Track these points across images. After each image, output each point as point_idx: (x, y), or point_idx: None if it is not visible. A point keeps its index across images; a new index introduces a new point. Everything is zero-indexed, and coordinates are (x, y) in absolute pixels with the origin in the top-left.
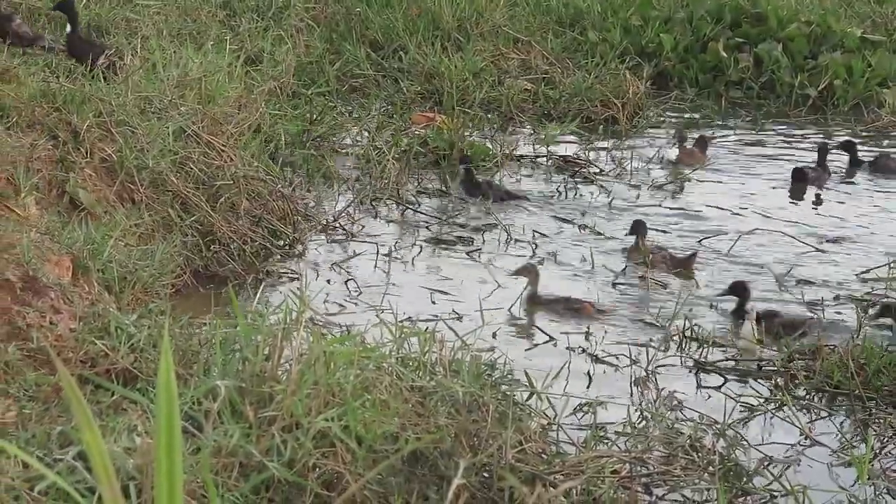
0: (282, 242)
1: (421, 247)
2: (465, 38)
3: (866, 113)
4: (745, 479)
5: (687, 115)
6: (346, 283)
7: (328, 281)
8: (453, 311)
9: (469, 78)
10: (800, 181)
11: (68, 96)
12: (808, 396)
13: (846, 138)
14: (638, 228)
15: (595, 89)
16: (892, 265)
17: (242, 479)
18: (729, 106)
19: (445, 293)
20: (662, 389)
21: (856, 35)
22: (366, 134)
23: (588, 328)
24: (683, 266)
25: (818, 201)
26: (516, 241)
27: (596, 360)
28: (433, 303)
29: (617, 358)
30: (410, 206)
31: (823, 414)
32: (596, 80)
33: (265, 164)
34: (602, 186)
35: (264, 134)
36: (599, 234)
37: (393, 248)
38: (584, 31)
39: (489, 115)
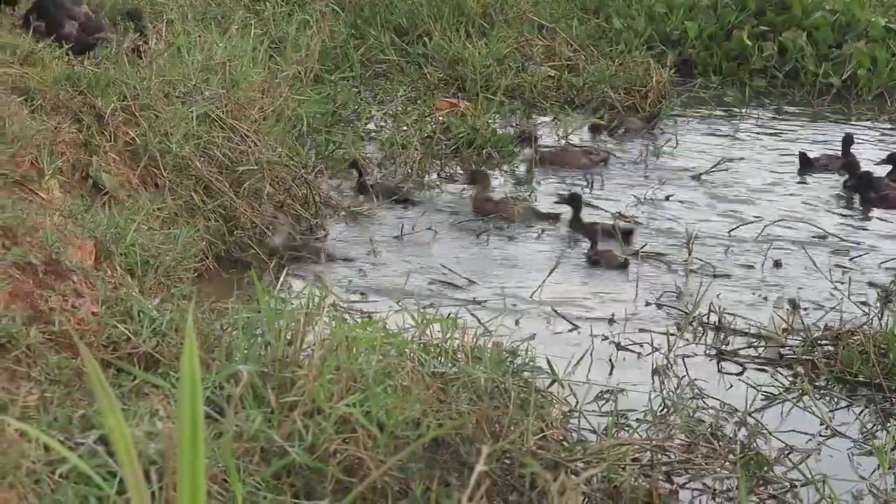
0: (304, 227)
1: (441, 232)
2: (489, 25)
3: (890, 102)
4: (765, 468)
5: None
6: (368, 268)
7: (349, 266)
8: (475, 297)
9: (493, 64)
10: (806, 166)
11: (93, 80)
12: (828, 385)
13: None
14: (573, 201)
15: (619, 77)
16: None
17: (264, 464)
18: (753, 94)
19: (467, 279)
20: (683, 377)
21: (880, 24)
22: (389, 120)
23: (612, 314)
24: (549, 219)
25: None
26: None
27: (618, 347)
28: (455, 288)
29: (640, 346)
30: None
31: (844, 403)
32: (620, 67)
33: (288, 149)
34: (621, 173)
35: (287, 119)
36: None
37: (414, 234)
38: (608, 19)
39: (513, 102)
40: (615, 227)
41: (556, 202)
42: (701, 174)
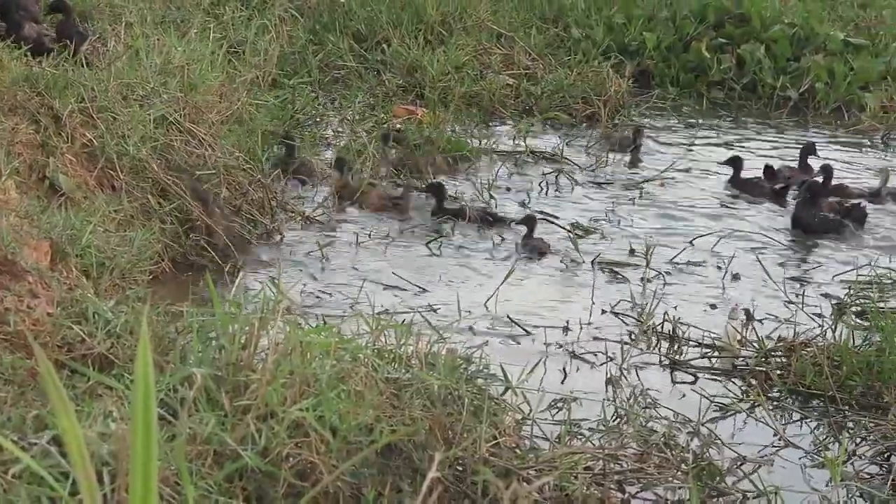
0: (260, 232)
1: (397, 239)
2: (448, 33)
3: (847, 116)
4: (718, 479)
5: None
6: (322, 273)
7: (304, 271)
8: (429, 304)
9: (451, 72)
10: (770, 178)
11: (51, 81)
12: (781, 397)
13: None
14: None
15: (577, 86)
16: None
17: (216, 468)
18: (710, 106)
19: (421, 286)
20: (637, 387)
21: (839, 38)
22: (347, 126)
23: (566, 322)
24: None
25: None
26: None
27: (572, 355)
28: (409, 294)
29: (594, 355)
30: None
31: (797, 415)
32: (578, 76)
33: (246, 154)
34: (576, 182)
35: (245, 123)
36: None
37: (369, 240)
38: (567, 28)
39: (471, 110)
40: (488, 213)
41: (422, 189)
42: (646, 181)
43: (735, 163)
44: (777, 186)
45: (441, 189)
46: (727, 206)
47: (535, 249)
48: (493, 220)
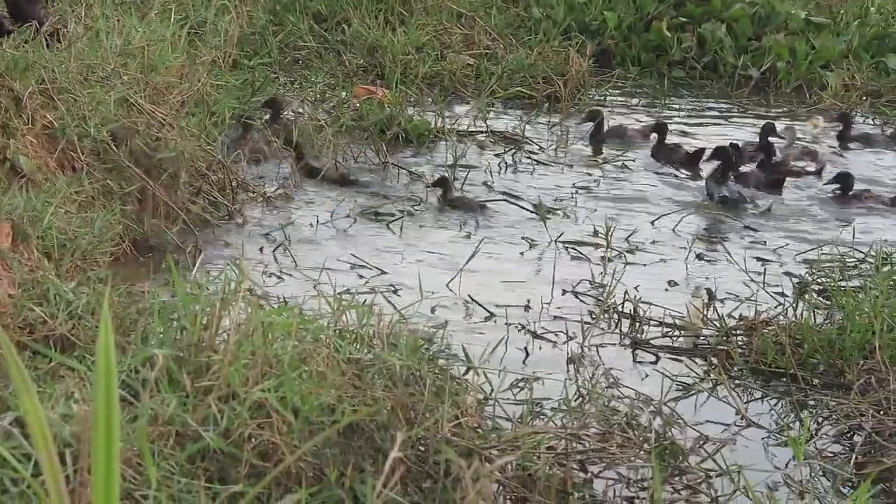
0: (221, 213)
1: (358, 219)
2: (408, 13)
3: (809, 95)
4: (680, 458)
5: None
6: (284, 254)
7: (266, 252)
8: (391, 284)
9: (412, 52)
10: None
11: (11, 63)
12: (743, 376)
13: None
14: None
15: (537, 66)
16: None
17: (178, 448)
18: (671, 85)
19: (382, 266)
20: (598, 366)
21: (800, 17)
22: (306, 106)
23: (528, 302)
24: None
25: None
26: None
27: (534, 335)
28: (371, 275)
29: (555, 334)
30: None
31: (759, 394)
32: (539, 56)
33: (206, 135)
34: (538, 162)
35: (205, 104)
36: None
37: (331, 220)
38: (527, 8)
39: (431, 90)
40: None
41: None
42: (606, 162)
43: (659, 130)
44: (691, 150)
45: (447, 182)
46: (689, 186)
47: (468, 206)
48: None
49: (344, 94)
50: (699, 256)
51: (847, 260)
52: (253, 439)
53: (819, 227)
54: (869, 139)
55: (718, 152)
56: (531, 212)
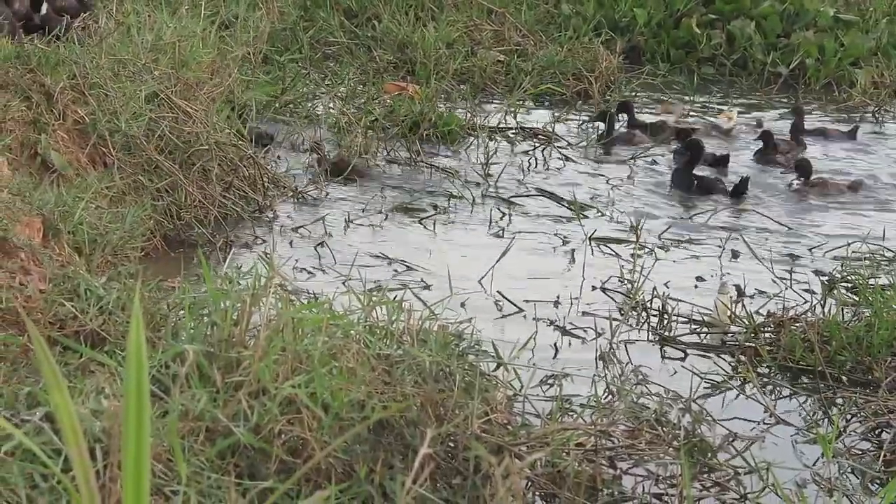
0: (252, 208)
1: (390, 215)
2: (438, 9)
3: (838, 92)
4: (709, 455)
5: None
6: (314, 248)
7: (296, 247)
8: (422, 279)
9: (442, 48)
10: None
11: (42, 58)
12: (771, 373)
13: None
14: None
15: (567, 63)
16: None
17: (208, 444)
18: (701, 82)
19: (413, 262)
20: (627, 363)
21: (829, 14)
22: (338, 102)
23: (557, 298)
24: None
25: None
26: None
27: (563, 331)
28: (402, 271)
29: (584, 331)
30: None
31: (787, 391)
32: (569, 53)
33: (237, 131)
34: (567, 158)
35: (237, 100)
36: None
37: (362, 215)
38: (557, 4)
39: (462, 86)
40: None
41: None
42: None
43: (626, 108)
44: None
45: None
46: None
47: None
48: None
49: (374, 90)
50: (730, 253)
51: (876, 256)
52: (283, 435)
53: (850, 223)
54: (825, 133)
55: (689, 144)
56: (565, 206)
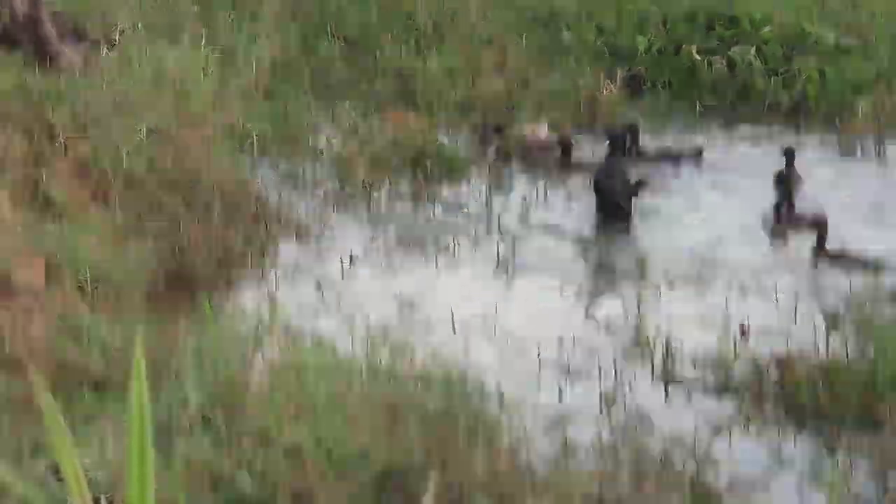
0: (255, 245)
1: (392, 251)
2: (439, 39)
3: (840, 119)
4: (714, 500)
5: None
6: (317, 287)
7: (299, 285)
8: (425, 318)
9: (444, 78)
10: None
11: (44, 93)
12: (775, 412)
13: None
14: None
15: (569, 91)
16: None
17: (213, 491)
18: (702, 110)
19: (417, 300)
20: (631, 403)
21: (830, 41)
22: (340, 134)
23: (561, 337)
24: None
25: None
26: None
27: (567, 371)
28: (405, 310)
29: (588, 370)
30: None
31: (792, 431)
32: (570, 81)
33: (239, 165)
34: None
35: (238, 133)
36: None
37: (364, 253)
38: (558, 33)
39: (465, 116)
40: None
41: None
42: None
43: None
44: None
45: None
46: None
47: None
48: None
49: (376, 121)
50: (735, 290)
51: (881, 294)
52: (287, 482)
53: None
54: (670, 155)
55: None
56: (571, 242)
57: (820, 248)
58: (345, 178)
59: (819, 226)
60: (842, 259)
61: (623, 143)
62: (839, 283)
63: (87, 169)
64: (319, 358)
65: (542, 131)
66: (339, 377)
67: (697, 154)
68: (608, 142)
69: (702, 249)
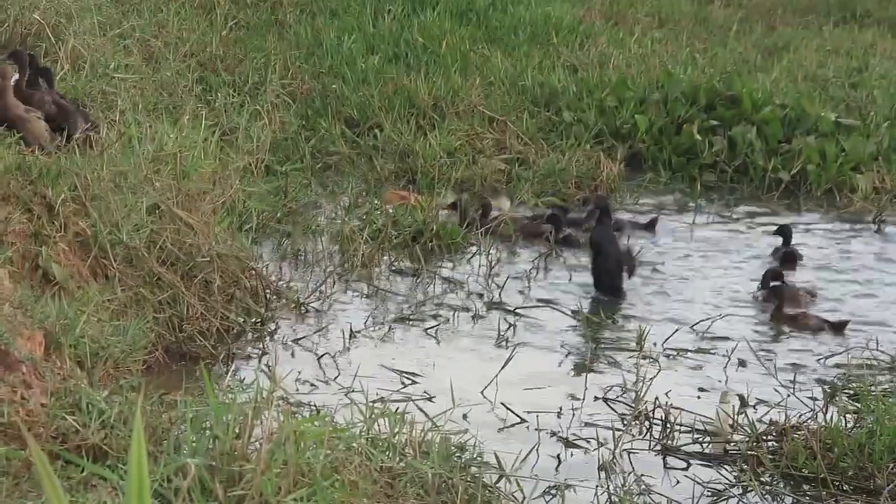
0: (254, 320)
1: (392, 326)
2: (440, 117)
3: (839, 198)
4: None
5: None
6: (316, 361)
7: (299, 359)
8: (424, 391)
9: (444, 157)
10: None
11: (44, 169)
12: (773, 481)
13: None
14: None
15: (569, 170)
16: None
17: None
18: (702, 189)
19: (416, 373)
20: (630, 473)
21: (830, 119)
22: (340, 212)
23: (560, 408)
24: None
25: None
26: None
27: (566, 442)
28: (404, 382)
29: (587, 441)
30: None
31: (790, 499)
32: (570, 160)
33: (239, 242)
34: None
35: (238, 211)
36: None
37: (364, 327)
38: (558, 112)
39: (463, 194)
40: None
41: None
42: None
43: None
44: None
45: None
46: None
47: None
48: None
49: (377, 199)
50: (733, 360)
51: (877, 363)
52: None
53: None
54: (620, 226)
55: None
56: (569, 316)
57: (778, 310)
58: (345, 255)
59: (779, 295)
60: (800, 321)
61: (609, 211)
62: (836, 353)
63: (87, 246)
64: (318, 427)
65: (505, 204)
66: (337, 446)
67: (651, 225)
68: (598, 208)
69: (699, 321)
